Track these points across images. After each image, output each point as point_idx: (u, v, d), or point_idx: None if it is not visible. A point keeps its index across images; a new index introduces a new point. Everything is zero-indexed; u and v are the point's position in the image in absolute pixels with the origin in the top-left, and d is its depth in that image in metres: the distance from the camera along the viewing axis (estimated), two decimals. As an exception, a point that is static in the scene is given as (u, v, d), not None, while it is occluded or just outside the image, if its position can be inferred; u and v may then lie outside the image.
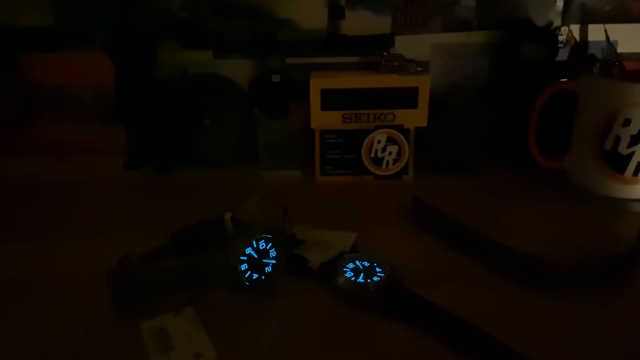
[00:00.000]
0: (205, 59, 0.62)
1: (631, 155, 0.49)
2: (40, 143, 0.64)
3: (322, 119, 0.55)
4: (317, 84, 0.54)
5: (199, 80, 0.62)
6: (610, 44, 0.55)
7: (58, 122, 0.64)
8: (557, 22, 0.61)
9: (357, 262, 0.37)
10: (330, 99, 0.54)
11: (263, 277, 0.36)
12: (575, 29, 0.61)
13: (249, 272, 0.35)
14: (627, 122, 0.48)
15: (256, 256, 0.36)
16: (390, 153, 0.56)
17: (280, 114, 0.58)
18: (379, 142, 0.56)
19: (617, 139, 0.49)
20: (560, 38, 0.61)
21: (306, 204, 0.49)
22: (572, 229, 0.45)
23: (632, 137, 0.48)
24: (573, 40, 0.61)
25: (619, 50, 0.57)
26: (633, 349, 0.31)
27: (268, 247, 0.36)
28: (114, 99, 0.60)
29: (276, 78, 0.58)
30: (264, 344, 0.32)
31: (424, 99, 0.54)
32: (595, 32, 0.60)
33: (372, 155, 0.56)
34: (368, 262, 0.37)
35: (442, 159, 0.58)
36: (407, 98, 0.54)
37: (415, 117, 0.55)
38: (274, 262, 0.36)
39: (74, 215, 0.49)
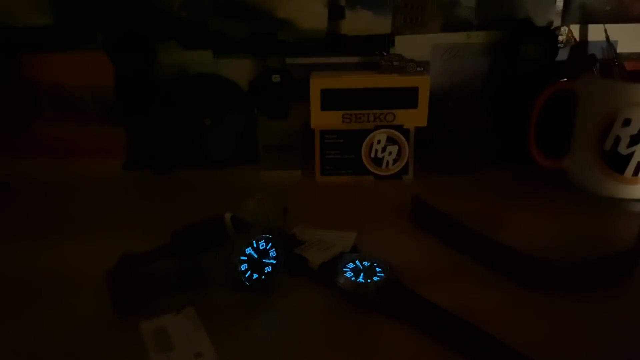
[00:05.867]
0: (205, 59, 0.62)
1: (631, 155, 0.49)
2: (40, 143, 0.64)
3: (322, 119, 0.55)
4: (317, 84, 0.54)
5: (199, 80, 0.62)
6: (610, 44, 0.55)
7: (58, 122, 0.64)
8: (557, 22, 0.61)
9: (357, 262, 0.37)
10: (330, 99, 0.54)
11: (263, 277, 0.36)
12: (575, 29, 0.61)
13: (249, 272, 0.35)
14: (627, 122, 0.48)
15: (256, 256, 0.36)
16: (390, 153, 0.56)
17: (280, 114, 0.58)
18: (379, 142, 0.56)
19: (617, 139, 0.49)
20: (560, 38, 0.61)
21: (306, 204, 0.49)
22: (572, 229, 0.45)
23: (632, 137, 0.48)
24: (573, 40, 0.61)
25: (619, 50, 0.57)
26: (633, 348, 0.31)
27: (268, 247, 0.36)
28: (114, 99, 0.60)
29: (276, 78, 0.58)
30: (264, 344, 0.32)
31: (424, 99, 0.54)
32: (595, 32, 0.60)
33: (372, 155, 0.56)
34: (368, 262, 0.37)
35: (442, 159, 0.58)
36: (407, 98, 0.54)
37: (415, 117, 0.55)
38: (274, 262, 0.36)
39: (74, 215, 0.49)
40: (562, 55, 0.61)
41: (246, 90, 0.62)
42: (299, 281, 0.37)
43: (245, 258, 0.35)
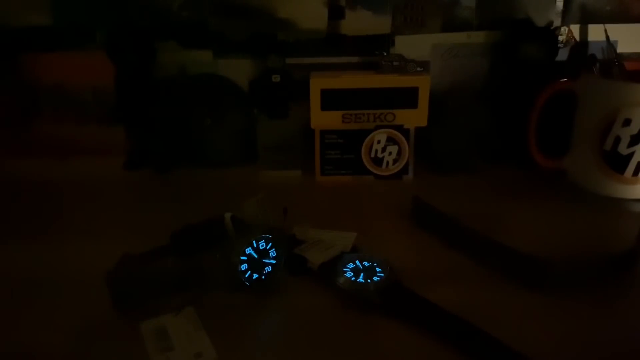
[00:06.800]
0: (205, 59, 0.62)
1: (631, 155, 0.49)
2: (40, 143, 0.64)
3: (322, 119, 0.55)
4: (317, 84, 0.54)
5: (199, 80, 0.62)
6: (610, 44, 0.55)
7: (58, 122, 0.64)
8: (557, 22, 0.61)
9: (357, 262, 0.37)
10: (330, 99, 0.54)
11: (263, 277, 0.36)
12: (575, 29, 0.61)
13: (249, 272, 0.35)
14: (627, 122, 0.48)
15: (256, 256, 0.36)
16: (390, 153, 0.56)
17: (280, 114, 0.58)
18: (379, 142, 0.56)
19: (617, 139, 0.49)
20: (560, 38, 0.61)
21: (306, 204, 0.49)
22: (572, 229, 0.45)
23: (632, 137, 0.48)
24: (573, 40, 0.61)
25: (619, 50, 0.57)
26: (633, 348, 0.31)
27: (268, 247, 0.36)
28: (114, 99, 0.60)
29: (276, 78, 0.58)
30: (264, 344, 0.32)
31: (424, 99, 0.54)
32: (595, 32, 0.60)
33: (372, 155, 0.56)
34: (368, 262, 0.37)
35: (442, 159, 0.58)
36: (407, 98, 0.54)
37: (415, 117, 0.55)
38: (274, 262, 0.36)
39: (74, 216, 0.49)
40: (562, 55, 0.61)
41: (246, 90, 0.62)
42: (299, 281, 0.37)
43: (245, 258, 0.35)
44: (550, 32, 0.60)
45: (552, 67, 0.59)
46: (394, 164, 0.56)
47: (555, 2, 0.61)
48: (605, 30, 0.55)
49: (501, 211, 0.48)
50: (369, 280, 0.35)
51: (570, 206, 0.49)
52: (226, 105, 0.61)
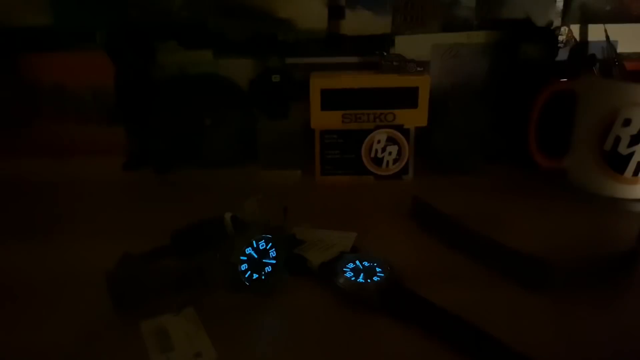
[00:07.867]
0: (205, 59, 0.62)
1: (631, 155, 0.49)
2: (40, 143, 0.64)
3: (322, 119, 0.55)
4: (317, 84, 0.54)
5: (199, 80, 0.62)
6: (610, 44, 0.55)
7: (58, 122, 0.64)
8: (557, 22, 0.61)
9: (357, 262, 0.37)
10: (330, 99, 0.54)
11: (263, 277, 0.36)
12: (575, 29, 0.61)
13: (249, 272, 0.35)
14: (627, 122, 0.48)
15: (256, 256, 0.36)
16: (390, 153, 0.56)
17: (280, 114, 0.58)
18: (379, 142, 0.56)
19: (617, 139, 0.49)
20: (560, 38, 0.61)
21: (306, 204, 0.49)
22: (572, 229, 0.45)
23: (632, 137, 0.48)
24: (573, 40, 0.61)
25: (619, 50, 0.57)
26: (633, 348, 0.31)
27: (268, 247, 0.36)
28: (114, 99, 0.60)
29: (276, 78, 0.58)
30: (264, 344, 0.32)
31: (424, 99, 0.54)
32: (595, 32, 0.60)
33: (372, 155, 0.56)
34: (368, 262, 0.37)
35: (442, 159, 0.58)
36: (407, 98, 0.54)
37: (415, 117, 0.55)
38: (274, 262, 0.36)
39: (74, 215, 0.49)
40: (562, 55, 0.61)
41: (246, 90, 0.62)
42: (299, 281, 0.37)
43: (245, 258, 0.35)
44: (550, 32, 0.60)
45: (552, 67, 0.59)
46: (394, 164, 0.57)
47: (555, 2, 0.61)
48: (605, 30, 0.55)
49: (501, 211, 0.48)
50: (369, 280, 0.35)
51: (570, 206, 0.49)
52: (226, 105, 0.61)
